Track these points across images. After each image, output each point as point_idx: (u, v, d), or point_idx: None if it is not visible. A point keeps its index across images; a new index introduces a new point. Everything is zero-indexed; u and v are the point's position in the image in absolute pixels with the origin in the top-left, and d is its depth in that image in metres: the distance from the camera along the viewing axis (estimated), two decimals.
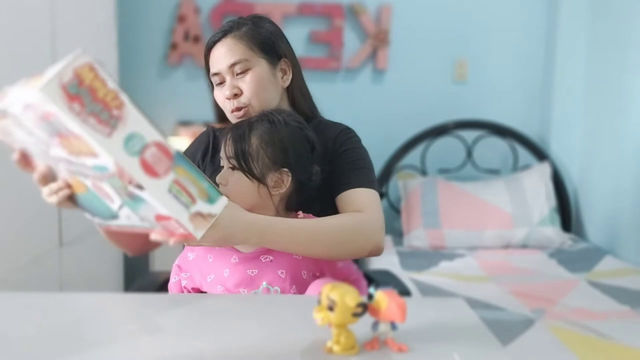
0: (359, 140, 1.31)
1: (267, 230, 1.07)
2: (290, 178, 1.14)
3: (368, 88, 3.23)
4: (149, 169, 0.81)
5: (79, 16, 2.32)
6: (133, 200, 0.84)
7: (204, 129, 1.42)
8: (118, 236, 1.21)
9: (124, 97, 0.80)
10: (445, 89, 3.24)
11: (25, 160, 0.98)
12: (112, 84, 0.80)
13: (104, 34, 2.60)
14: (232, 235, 1.04)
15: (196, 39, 3.12)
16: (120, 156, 0.79)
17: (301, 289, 1.12)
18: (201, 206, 0.86)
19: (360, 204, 1.18)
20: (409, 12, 3.20)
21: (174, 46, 3.14)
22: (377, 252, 1.18)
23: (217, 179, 1.14)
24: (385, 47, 3.17)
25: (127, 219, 0.91)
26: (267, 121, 1.15)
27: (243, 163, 1.13)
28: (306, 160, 1.17)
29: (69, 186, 0.97)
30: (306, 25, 3.17)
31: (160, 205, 0.82)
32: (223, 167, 1.16)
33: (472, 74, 3.24)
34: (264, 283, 1.12)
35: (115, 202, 0.88)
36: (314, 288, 1.08)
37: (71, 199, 1.00)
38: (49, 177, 0.98)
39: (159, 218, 0.85)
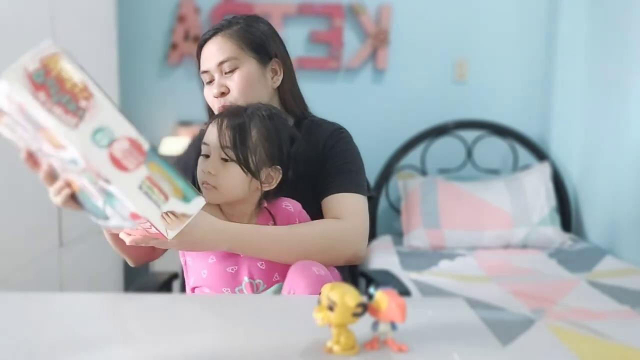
0: (350, 141, 1.30)
1: (238, 238, 1.08)
2: (280, 175, 1.14)
3: (368, 88, 3.23)
4: (118, 163, 0.79)
5: (79, 16, 2.32)
6: (108, 196, 0.83)
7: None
8: (123, 243, 1.21)
9: (94, 89, 0.79)
10: (445, 89, 3.24)
11: (33, 159, 0.98)
12: (81, 76, 0.78)
13: (104, 34, 2.60)
14: (201, 241, 1.04)
15: (196, 39, 3.12)
16: (87, 148, 0.77)
17: (283, 275, 1.11)
18: (175, 205, 0.83)
19: (343, 210, 1.18)
20: (409, 12, 3.20)
21: (174, 46, 3.14)
22: (356, 260, 1.18)
23: (207, 167, 1.12)
24: (385, 47, 3.17)
25: (114, 218, 0.90)
26: (266, 116, 1.13)
27: (241, 156, 1.10)
28: (292, 157, 1.17)
29: (69, 185, 0.97)
30: (306, 25, 3.16)
31: (129, 202, 0.80)
32: (207, 155, 1.13)
33: (472, 74, 3.24)
34: (245, 278, 1.12)
35: (99, 200, 0.87)
36: (296, 271, 1.07)
37: (75, 198, 0.99)
38: (53, 175, 0.97)
39: (133, 216, 0.83)
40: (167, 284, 1.55)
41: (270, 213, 1.17)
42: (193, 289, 1.16)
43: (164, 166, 0.83)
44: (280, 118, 1.16)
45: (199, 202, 0.87)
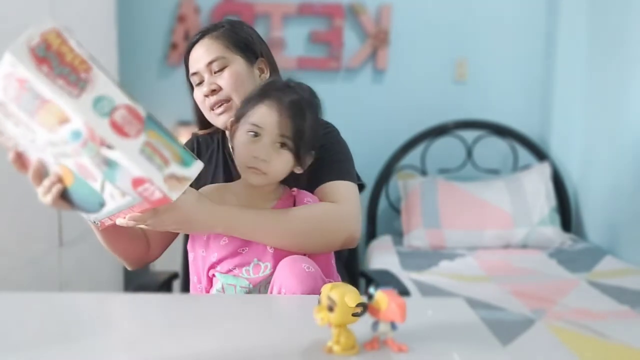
0: (337, 134, 1.33)
1: (233, 219, 1.11)
2: (312, 160, 1.18)
3: (368, 88, 3.23)
4: (120, 130, 0.82)
5: (79, 16, 2.32)
6: (109, 167, 0.85)
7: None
8: (116, 242, 1.21)
9: (91, 62, 0.83)
10: (445, 89, 3.24)
11: (21, 160, 0.99)
12: (79, 50, 0.83)
13: (104, 34, 2.60)
14: (196, 221, 1.08)
15: None
16: (89, 116, 0.81)
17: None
18: (175, 169, 0.86)
19: (336, 195, 1.21)
20: (409, 12, 3.20)
21: (174, 46, 3.14)
22: (352, 242, 1.21)
23: (260, 154, 1.10)
24: (385, 47, 3.17)
25: (112, 199, 0.92)
26: (315, 104, 1.17)
27: (300, 148, 1.13)
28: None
29: (60, 180, 0.97)
30: (306, 25, 3.16)
31: (133, 165, 0.83)
32: (255, 135, 1.12)
33: (472, 74, 3.24)
34: (255, 260, 1.13)
35: (97, 180, 0.89)
36: (285, 267, 1.07)
37: (65, 197, 1.00)
38: (42, 172, 0.98)
39: (135, 183, 0.86)
40: (167, 284, 1.55)
41: (295, 202, 1.19)
42: (208, 270, 1.16)
43: (161, 133, 0.86)
44: (320, 101, 1.19)
45: (198, 166, 0.89)
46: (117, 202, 0.92)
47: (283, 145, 1.12)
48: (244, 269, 1.13)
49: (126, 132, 0.82)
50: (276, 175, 1.14)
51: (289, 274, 1.05)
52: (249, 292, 1.12)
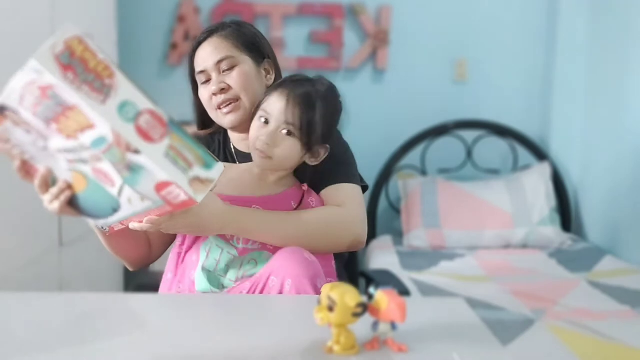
0: (339, 136, 1.33)
1: (243, 221, 1.12)
2: (327, 152, 1.19)
3: (368, 88, 3.23)
4: (145, 135, 0.83)
5: (79, 16, 2.32)
6: (132, 172, 0.85)
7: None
8: (120, 244, 1.22)
9: (114, 68, 0.84)
10: (445, 89, 3.24)
11: (26, 168, 1.00)
12: (102, 56, 0.83)
13: (104, 34, 2.60)
14: (206, 223, 1.08)
15: None
16: (115, 122, 0.82)
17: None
18: (198, 171, 0.88)
19: (341, 198, 1.22)
20: (409, 12, 3.20)
21: (174, 46, 3.14)
22: (357, 245, 1.22)
23: (267, 139, 1.14)
24: (385, 47, 3.17)
25: (129, 204, 0.92)
26: (329, 96, 1.20)
27: (307, 135, 1.14)
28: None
29: (69, 187, 0.97)
30: (306, 25, 3.16)
31: (159, 169, 0.84)
32: (266, 122, 1.15)
33: (472, 74, 3.24)
34: None
35: (116, 185, 0.89)
36: (287, 258, 1.08)
37: (72, 204, 1.01)
38: (50, 180, 0.99)
39: (159, 187, 0.86)
40: None
41: (302, 199, 1.20)
42: (192, 243, 1.17)
43: (183, 136, 0.88)
44: (339, 98, 1.22)
45: (219, 167, 0.91)
46: (135, 207, 0.92)
47: (290, 133, 1.14)
48: (241, 243, 1.15)
49: (151, 137, 0.84)
50: (281, 161, 1.16)
51: (292, 263, 1.06)
52: (234, 260, 1.14)
